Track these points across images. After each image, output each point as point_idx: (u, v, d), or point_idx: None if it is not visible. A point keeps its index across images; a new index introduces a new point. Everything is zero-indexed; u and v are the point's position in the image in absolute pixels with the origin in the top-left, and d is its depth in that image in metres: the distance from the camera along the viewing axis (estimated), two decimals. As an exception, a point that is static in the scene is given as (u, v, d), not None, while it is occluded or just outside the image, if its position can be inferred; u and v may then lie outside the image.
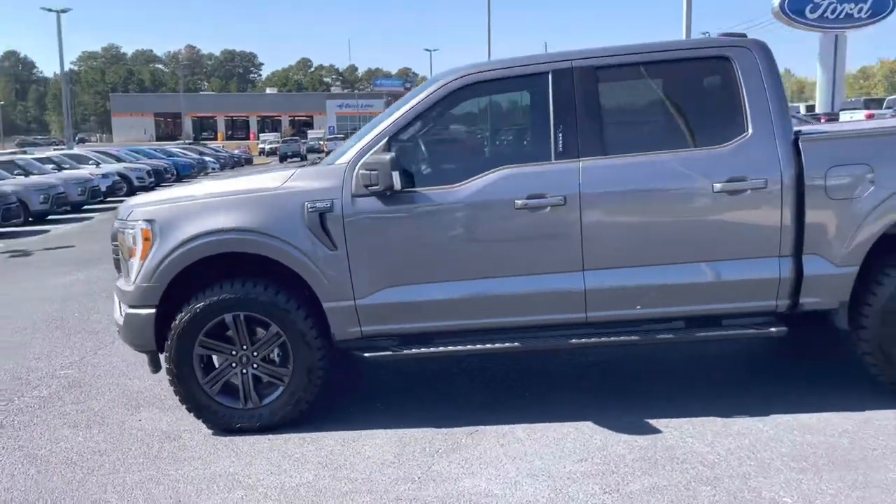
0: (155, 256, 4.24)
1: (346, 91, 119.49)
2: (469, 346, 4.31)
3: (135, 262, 4.31)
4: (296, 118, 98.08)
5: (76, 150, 28.99)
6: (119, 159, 27.97)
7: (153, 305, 4.28)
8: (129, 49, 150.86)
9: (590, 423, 4.21)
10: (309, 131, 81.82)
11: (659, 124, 4.51)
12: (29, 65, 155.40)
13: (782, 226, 4.11)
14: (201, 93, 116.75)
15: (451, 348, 4.31)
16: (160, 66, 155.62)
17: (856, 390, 4.41)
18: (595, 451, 3.87)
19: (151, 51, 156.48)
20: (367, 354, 4.30)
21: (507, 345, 4.30)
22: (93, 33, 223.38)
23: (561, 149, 4.16)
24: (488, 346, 4.31)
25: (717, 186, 4.06)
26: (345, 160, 4.24)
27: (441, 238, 4.18)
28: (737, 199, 4.08)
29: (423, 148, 4.42)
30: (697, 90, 4.42)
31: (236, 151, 55.18)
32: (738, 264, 4.16)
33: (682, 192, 4.13)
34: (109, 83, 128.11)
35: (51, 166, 22.73)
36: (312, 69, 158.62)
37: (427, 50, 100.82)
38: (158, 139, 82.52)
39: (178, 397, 4.36)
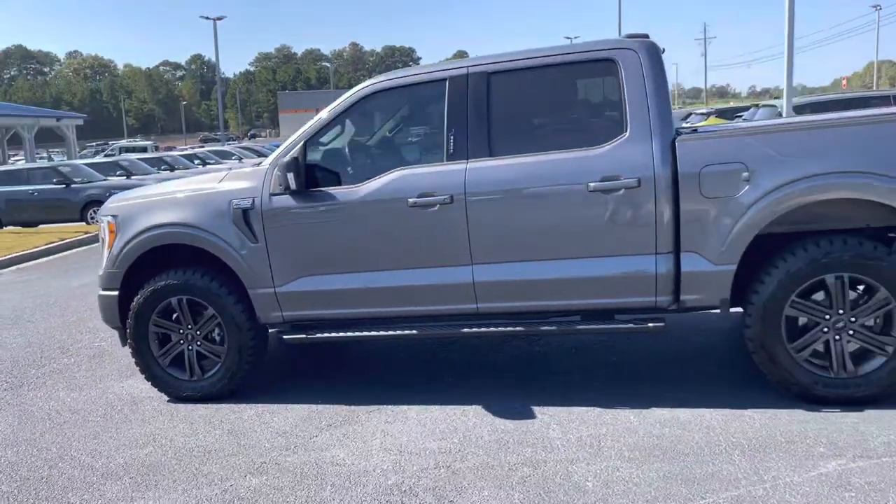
0: (117, 246, 5.00)
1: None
2: (373, 333, 4.73)
3: (104, 251, 5.10)
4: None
5: (245, 144, 31.46)
6: (260, 154, 30.26)
7: (116, 288, 5.05)
8: (299, 49, 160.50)
9: (478, 408, 4.50)
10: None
11: (546, 126, 4.67)
12: (213, 67, 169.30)
13: (657, 224, 4.18)
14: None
15: (356, 334, 4.75)
16: (326, 63, 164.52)
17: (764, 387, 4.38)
18: (461, 432, 4.17)
19: (319, 50, 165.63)
20: (285, 337, 4.83)
21: (405, 332, 4.67)
22: (267, 35, 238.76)
23: (452, 151, 4.46)
24: (389, 332, 4.70)
25: (592, 185, 4.20)
26: (267, 162, 4.78)
27: (344, 233, 4.61)
28: (612, 198, 4.20)
29: (335, 150, 4.86)
30: (583, 92, 4.54)
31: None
32: (615, 261, 4.28)
33: (559, 192, 4.29)
34: (280, 82, 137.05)
35: (197, 161, 25.14)
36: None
37: (567, 38, 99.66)
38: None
39: (138, 368, 5.11)
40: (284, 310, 4.78)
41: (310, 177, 4.64)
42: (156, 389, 5.12)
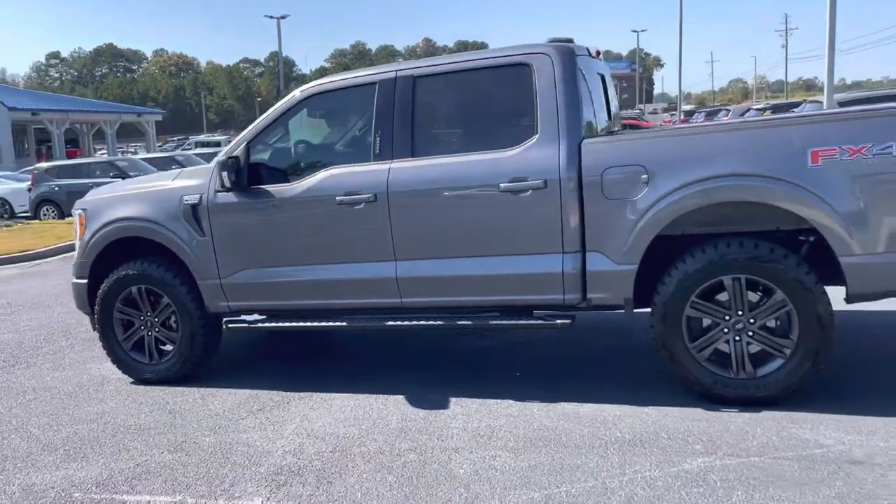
0: (85, 238, 5.43)
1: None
2: (305, 324, 5.01)
3: (77, 242, 5.54)
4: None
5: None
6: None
7: (85, 277, 5.48)
8: (373, 45, 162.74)
9: (400, 398, 4.72)
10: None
11: (465, 128, 4.83)
12: (290, 64, 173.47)
13: (563, 224, 4.30)
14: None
15: (290, 324, 5.05)
16: (400, 59, 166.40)
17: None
18: (372, 419, 4.40)
19: (392, 46, 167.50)
20: (229, 325, 5.16)
21: (336, 323, 4.93)
22: (345, 32, 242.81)
23: (378, 151, 4.69)
24: (320, 324, 4.97)
25: (503, 186, 4.36)
26: (215, 161, 5.11)
27: (280, 229, 4.89)
28: (521, 199, 4.34)
29: (275, 150, 5.14)
30: (501, 96, 4.67)
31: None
32: (525, 259, 4.42)
33: (473, 192, 4.46)
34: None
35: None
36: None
37: (634, 31, 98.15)
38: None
39: (105, 351, 5.53)
40: (229, 300, 5.10)
41: (253, 175, 4.94)
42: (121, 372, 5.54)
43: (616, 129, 5.44)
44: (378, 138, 4.69)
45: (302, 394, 4.93)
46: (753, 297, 4.14)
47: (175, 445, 4.24)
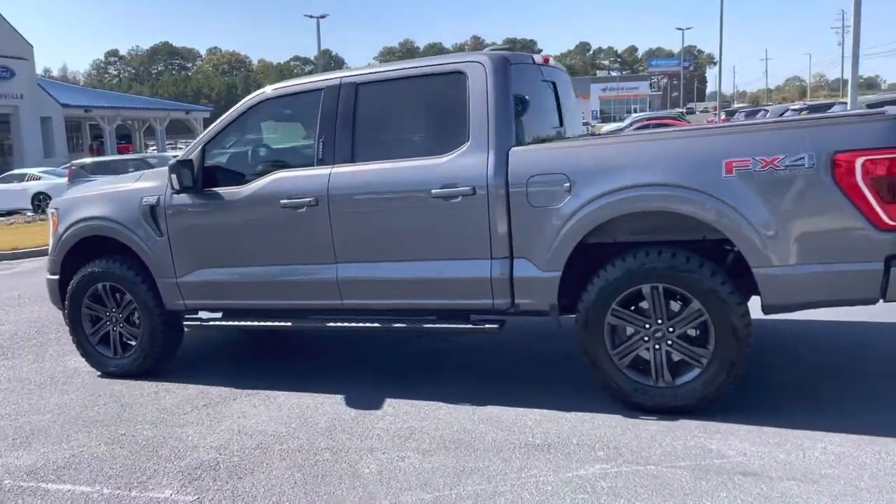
0: (56, 235, 5.68)
1: (614, 74, 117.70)
2: (253, 323, 5.19)
3: (50, 239, 5.80)
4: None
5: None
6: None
7: (56, 273, 5.73)
8: (421, 43, 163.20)
9: (340, 397, 4.84)
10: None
11: (403, 135, 4.90)
12: (340, 62, 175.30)
13: (491, 230, 4.37)
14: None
15: (239, 323, 5.24)
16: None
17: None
18: (304, 418, 4.54)
19: (441, 43, 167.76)
20: (185, 323, 5.36)
21: (281, 323, 5.09)
22: (394, 30, 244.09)
23: (321, 156, 4.81)
24: (266, 323, 5.13)
25: (434, 192, 4.44)
26: (169, 163, 5.29)
27: (230, 230, 5.06)
28: (451, 205, 4.42)
29: (229, 154, 5.30)
30: (437, 103, 4.73)
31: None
32: (456, 264, 4.49)
33: (407, 197, 4.55)
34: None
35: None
36: (591, 52, 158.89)
37: (679, 29, 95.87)
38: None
39: (74, 345, 5.78)
40: (185, 298, 5.29)
41: (209, 177, 5.12)
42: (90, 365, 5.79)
43: (574, 135, 5.46)
44: (321, 143, 4.82)
45: (249, 391, 5.09)
46: (676, 306, 4.14)
47: (113, 438, 4.43)
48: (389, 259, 4.66)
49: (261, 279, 5.02)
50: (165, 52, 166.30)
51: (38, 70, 49.38)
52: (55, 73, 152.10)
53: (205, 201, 5.10)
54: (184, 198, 5.15)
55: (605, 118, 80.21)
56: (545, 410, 4.36)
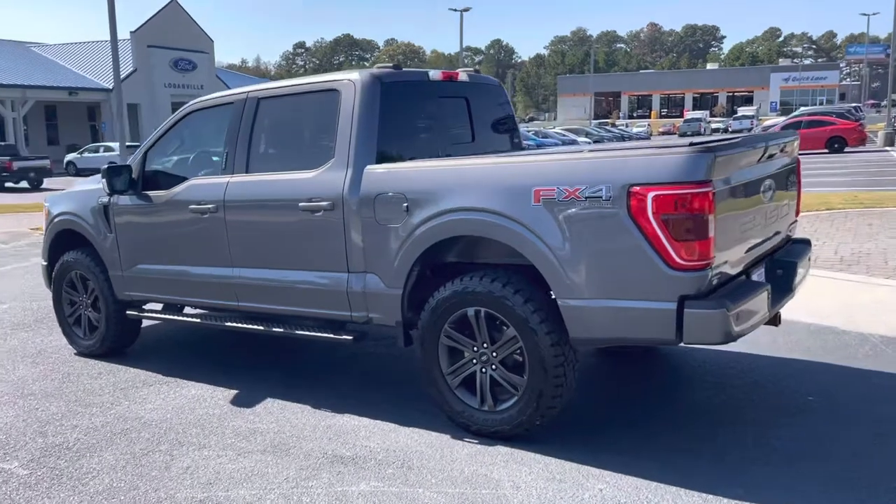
0: (46, 226, 6.46)
1: (807, 62, 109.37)
2: (174, 317, 5.66)
3: (44, 230, 6.60)
4: (735, 94, 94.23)
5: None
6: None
7: (45, 260, 6.51)
8: (594, 31, 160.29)
9: (233, 393, 5.19)
10: (739, 108, 78.11)
11: (287, 148, 5.09)
12: (509, 51, 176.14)
13: (347, 244, 4.51)
14: (640, 71, 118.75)
15: (164, 316, 5.72)
16: (622, 45, 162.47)
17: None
18: (183, 409, 4.92)
19: (615, 31, 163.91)
20: (127, 312, 5.93)
21: (192, 320, 5.56)
22: (567, 17, 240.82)
23: (224, 166, 5.17)
24: (187, 319, 5.58)
25: (301, 205, 4.64)
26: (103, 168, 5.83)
27: (155, 231, 5.54)
28: (315, 218, 4.60)
29: (164, 159, 5.75)
30: (315, 120, 4.88)
31: (636, 129, 56.28)
32: (321, 275, 4.68)
33: (280, 208, 4.79)
34: (568, 65, 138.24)
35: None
36: (781, 38, 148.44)
37: (863, 14, 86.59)
38: (595, 118, 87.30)
39: (58, 323, 6.55)
40: (129, 290, 5.86)
41: (150, 181, 5.64)
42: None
43: (494, 149, 5.43)
44: (226, 153, 5.16)
45: (171, 379, 5.55)
46: (499, 332, 4.09)
47: (26, 411, 5.03)
48: (270, 266, 4.93)
49: (180, 277, 5.46)
50: (346, 44, 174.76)
51: (235, 60, 53.77)
52: (250, 63, 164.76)
53: (140, 203, 5.61)
54: (127, 199, 5.69)
55: (787, 110, 74.90)
56: (389, 424, 4.46)
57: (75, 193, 6.27)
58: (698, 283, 3.48)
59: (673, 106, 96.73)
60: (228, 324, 5.31)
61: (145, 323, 6.40)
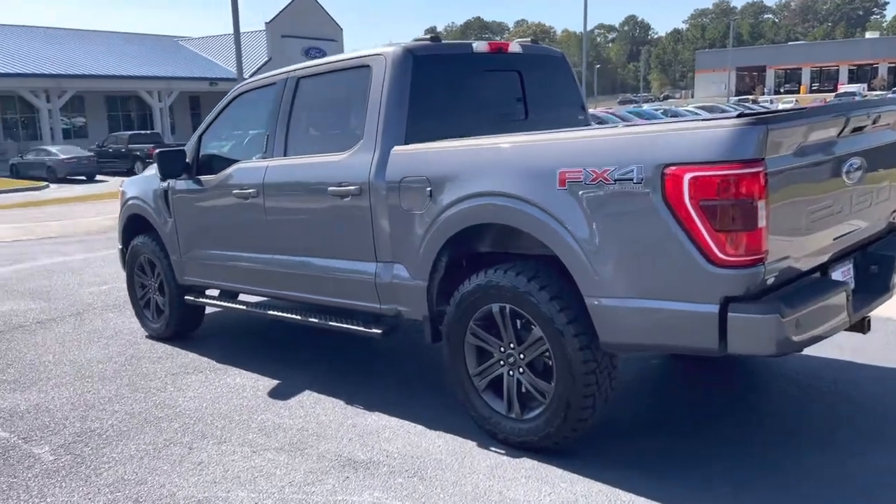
0: (120, 210, 6.57)
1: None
2: (228, 304, 5.58)
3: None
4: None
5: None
6: (622, 119, 30.37)
7: (120, 243, 6.63)
8: (739, 2, 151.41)
9: (273, 384, 5.04)
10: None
11: (323, 130, 4.80)
12: (645, 27, 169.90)
13: (374, 232, 4.20)
14: (788, 43, 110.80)
15: (216, 303, 5.65)
16: (769, 16, 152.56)
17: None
18: (219, 399, 4.81)
19: (762, 2, 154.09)
20: (185, 298, 5.91)
21: (236, 305, 5.48)
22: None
23: (265, 149, 4.99)
24: (235, 306, 5.50)
25: (330, 190, 4.38)
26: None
27: (205, 215, 5.46)
28: (343, 204, 4.32)
29: (217, 143, 5.64)
30: (348, 99, 4.55)
31: (783, 105, 52.57)
32: (351, 265, 4.40)
33: (312, 193, 4.53)
34: (708, 39, 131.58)
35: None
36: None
37: None
38: (738, 94, 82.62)
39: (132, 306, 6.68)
40: (187, 275, 5.84)
41: (205, 165, 5.57)
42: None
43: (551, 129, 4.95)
44: (267, 136, 4.98)
45: (222, 366, 5.49)
46: (527, 331, 3.65)
47: (80, 392, 5.09)
48: (304, 254, 4.71)
49: (226, 263, 5.36)
50: (477, 27, 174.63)
51: (369, 45, 55.02)
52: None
53: (194, 187, 5.54)
54: (183, 184, 5.64)
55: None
56: (416, 426, 4.14)
57: (142, 178, 6.32)
58: (746, 281, 2.90)
59: (826, 80, 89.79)
60: (270, 312, 5.16)
61: (212, 308, 6.38)
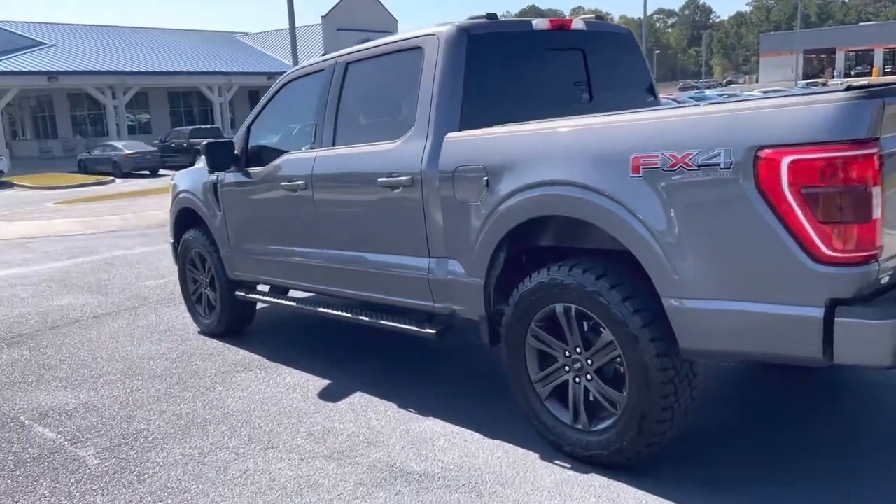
0: (171, 204, 6.43)
1: None
2: (277, 301, 5.36)
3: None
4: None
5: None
6: (680, 103, 29.49)
7: (172, 238, 6.51)
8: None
9: (325, 384, 4.81)
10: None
11: (373, 117, 4.51)
12: (706, 11, 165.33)
13: (427, 226, 3.92)
14: (859, 24, 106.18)
15: (267, 298, 5.44)
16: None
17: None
18: (268, 401, 4.61)
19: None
20: (236, 293, 5.73)
21: (287, 302, 5.24)
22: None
23: (314, 139, 4.75)
24: (279, 301, 5.29)
25: (381, 181, 4.10)
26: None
27: (253, 208, 5.26)
28: (394, 195, 4.05)
29: (266, 133, 5.41)
30: (399, 83, 4.25)
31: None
32: (403, 260, 4.13)
33: (362, 185, 4.27)
34: (773, 22, 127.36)
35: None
36: None
37: None
38: (804, 78, 79.70)
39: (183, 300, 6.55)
40: (237, 270, 5.66)
41: (252, 157, 5.37)
42: (184, 317, 6.54)
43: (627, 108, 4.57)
44: (315, 125, 4.73)
45: (272, 363, 5.31)
46: (595, 333, 3.31)
47: (127, 392, 4.96)
48: (354, 249, 4.46)
49: (275, 258, 5.14)
50: (532, 15, 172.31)
51: None
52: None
53: (243, 180, 5.34)
54: (232, 176, 5.45)
55: None
56: (474, 434, 3.85)
57: (193, 171, 6.17)
58: (857, 281, 2.51)
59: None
60: (320, 309, 4.92)
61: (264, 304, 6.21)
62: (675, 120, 2.92)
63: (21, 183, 26.97)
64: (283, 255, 5.07)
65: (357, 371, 4.99)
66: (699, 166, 2.73)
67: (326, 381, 4.83)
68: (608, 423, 3.25)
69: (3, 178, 27.63)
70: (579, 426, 3.38)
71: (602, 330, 3.19)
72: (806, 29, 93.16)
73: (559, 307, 3.33)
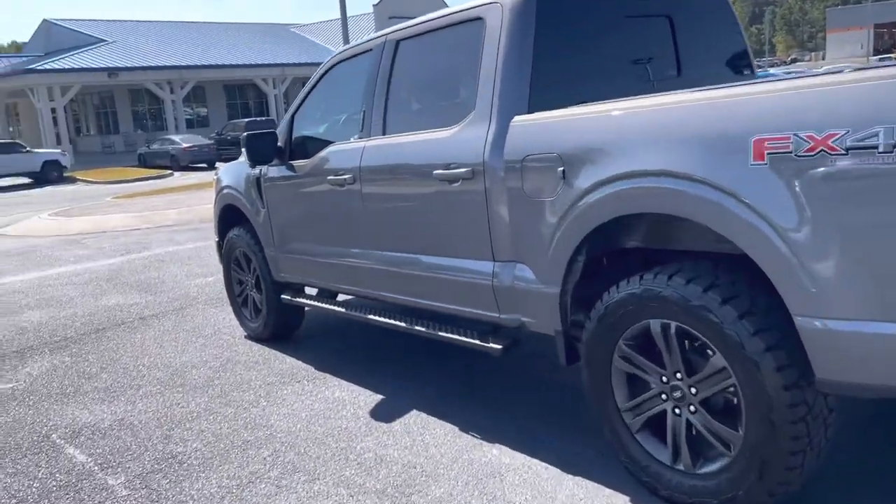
0: (214, 200, 6.03)
1: None
2: (324, 305, 4.89)
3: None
4: None
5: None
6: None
7: (216, 235, 6.11)
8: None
9: (377, 400, 4.33)
10: None
11: (428, 101, 3.96)
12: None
13: (491, 224, 3.38)
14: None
15: (312, 303, 4.98)
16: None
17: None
18: (313, 419, 4.15)
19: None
20: (282, 297, 5.28)
21: (336, 308, 4.77)
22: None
23: (362, 128, 4.25)
24: (326, 305, 4.82)
25: (437, 173, 3.58)
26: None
27: (298, 204, 4.80)
28: (453, 189, 3.52)
29: (311, 123, 4.93)
30: (456, 61, 3.70)
31: None
32: (463, 263, 3.60)
33: (417, 178, 3.75)
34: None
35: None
36: None
37: None
38: (876, 53, 76.10)
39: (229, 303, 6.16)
40: (282, 271, 5.21)
41: (296, 149, 4.90)
42: (229, 319, 6.18)
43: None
44: (363, 112, 4.23)
45: (320, 374, 4.86)
46: (700, 357, 2.73)
47: (166, 405, 4.58)
48: (409, 250, 3.95)
49: (323, 259, 4.68)
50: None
51: None
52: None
53: (286, 174, 4.89)
54: (276, 170, 5.01)
55: None
56: (550, 469, 3.30)
57: (236, 164, 5.74)
58: None
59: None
60: (371, 317, 4.43)
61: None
62: (810, 91, 2.30)
63: (83, 178, 27.41)
64: (329, 256, 4.60)
65: (412, 386, 4.49)
66: (847, 150, 2.12)
67: (379, 397, 4.35)
68: (718, 465, 2.67)
69: (66, 174, 28.13)
70: (680, 467, 2.80)
71: (711, 353, 2.61)
72: (877, 2, 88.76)
73: (655, 324, 2.75)
